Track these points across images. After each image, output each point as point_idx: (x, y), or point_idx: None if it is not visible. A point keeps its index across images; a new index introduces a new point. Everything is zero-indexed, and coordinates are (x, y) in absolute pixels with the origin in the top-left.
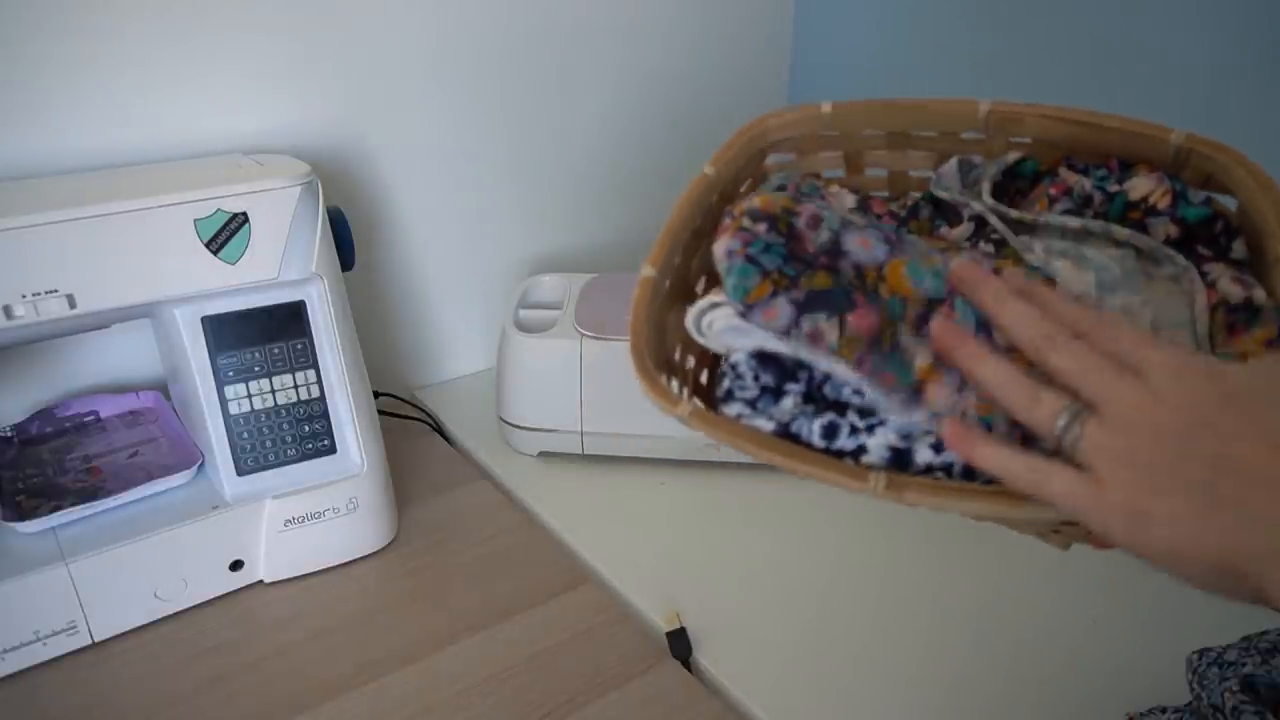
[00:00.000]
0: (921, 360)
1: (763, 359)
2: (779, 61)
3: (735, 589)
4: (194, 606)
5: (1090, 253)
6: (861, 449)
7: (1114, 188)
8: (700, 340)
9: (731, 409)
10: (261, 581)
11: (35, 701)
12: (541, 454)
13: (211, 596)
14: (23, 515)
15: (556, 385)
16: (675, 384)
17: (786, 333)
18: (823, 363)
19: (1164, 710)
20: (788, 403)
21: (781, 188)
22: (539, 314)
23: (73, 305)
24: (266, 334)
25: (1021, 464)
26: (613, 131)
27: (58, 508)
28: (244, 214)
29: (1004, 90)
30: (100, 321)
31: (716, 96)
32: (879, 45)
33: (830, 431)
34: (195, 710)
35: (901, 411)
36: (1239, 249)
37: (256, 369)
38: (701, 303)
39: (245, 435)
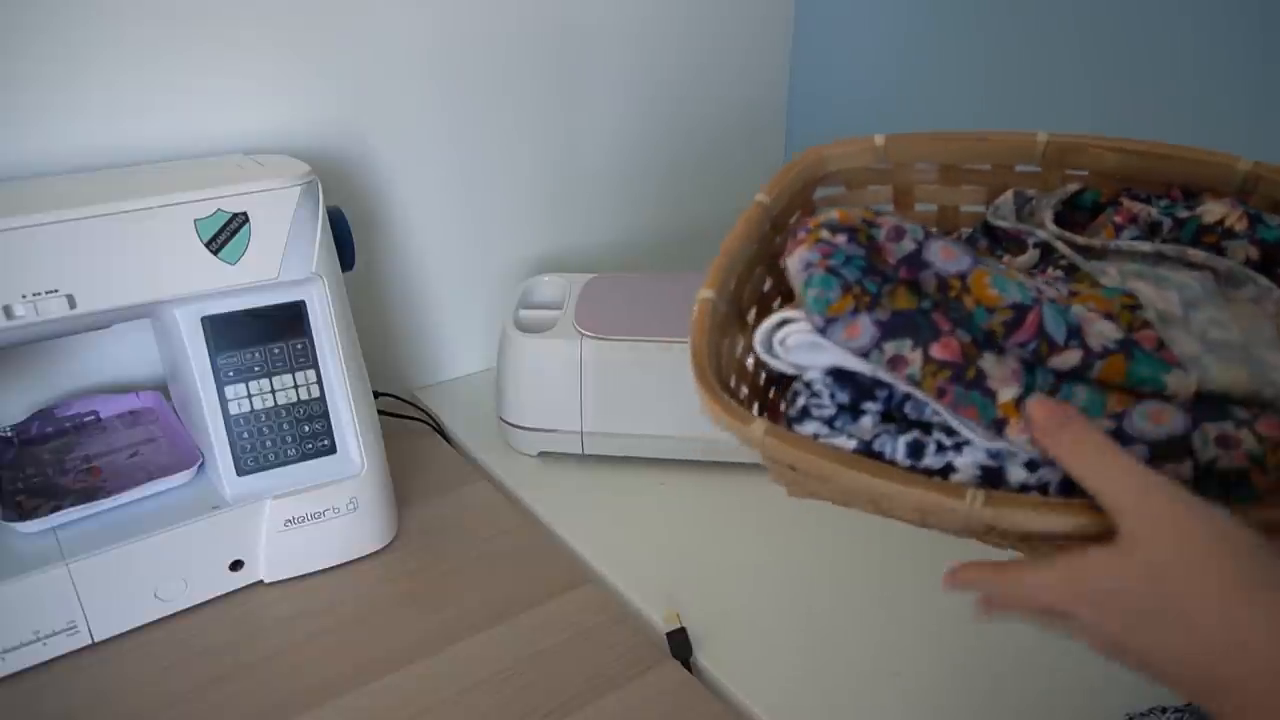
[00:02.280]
0: (1005, 395)
1: (839, 376)
2: (779, 65)
3: (735, 589)
4: (194, 606)
5: (1168, 273)
6: (949, 467)
7: (1183, 214)
8: (768, 360)
9: (807, 428)
10: (261, 581)
11: (35, 701)
12: (541, 454)
13: (211, 596)
14: (23, 515)
15: (556, 385)
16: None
17: (866, 354)
18: (902, 386)
19: (1164, 710)
20: (866, 421)
21: None
22: (539, 314)
23: (73, 305)
24: (266, 334)
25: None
26: (613, 132)
27: (58, 508)
28: (244, 214)
29: (1007, 104)
30: (100, 321)
31: (715, 99)
32: (876, 55)
33: (916, 449)
34: (195, 710)
35: (982, 440)
36: None
37: (256, 369)
38: (771, 319)
39: (245, 435)
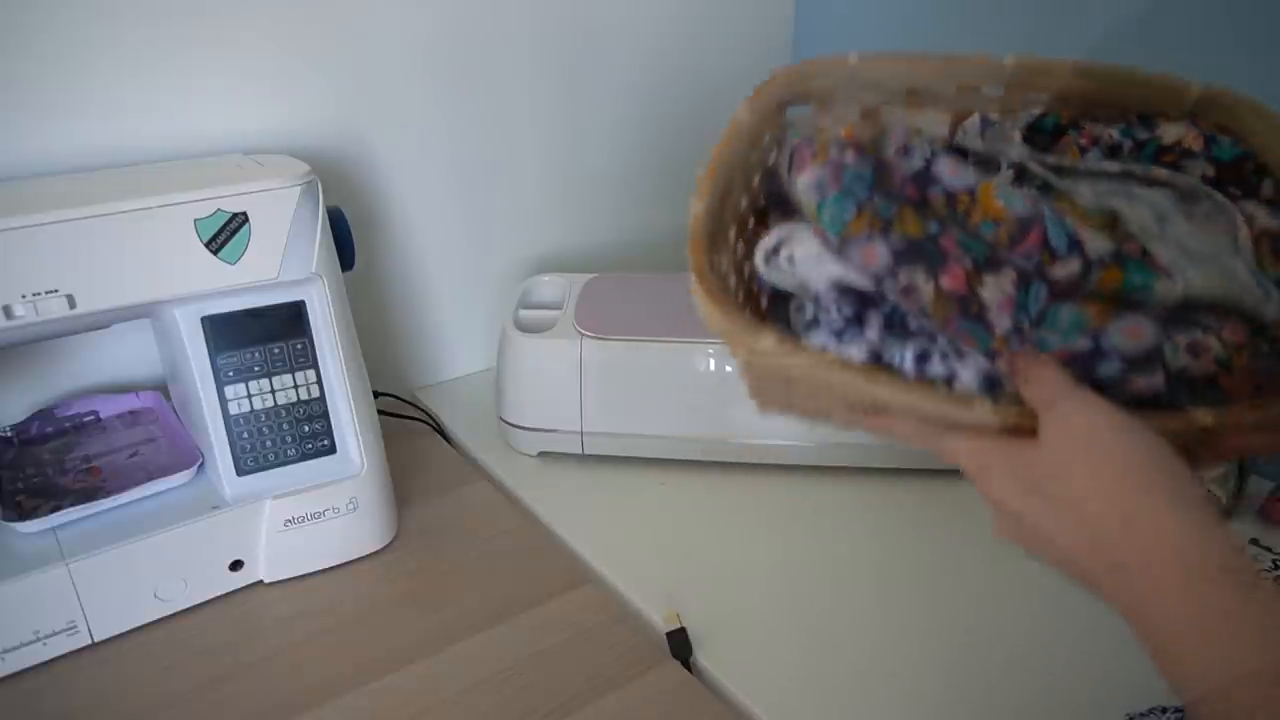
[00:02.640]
0: (1001, 329)
1: (842, 290)
2: (780, 66)
3: (735, 589)
4: (194, 606)
5: (1138, 190)
6: (953, 375)
7: (1143, 135)
8: (769, 276)
9: (817, 338)
10: (261, 581)
11: (35, 701)
12: (541, 454)
13: (211, 596)
14: (23, 515)
15: (556, 385)
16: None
17: (879, 279)
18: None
19: (1164, 710)
20: (871, 332)
21: None
22: (539, 314)
23: (73, 305)
24: (266, 334)
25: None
26: (613, 131)
27: (58, 508)
28: (244, 214)
29: None
30: (100, 321)
31: (716, 99)
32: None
33: (923, 358)
34: (195, 710)
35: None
36: (1268, 188)
37: (256, 369)
38: (773, 236)
39: (245, 435)
